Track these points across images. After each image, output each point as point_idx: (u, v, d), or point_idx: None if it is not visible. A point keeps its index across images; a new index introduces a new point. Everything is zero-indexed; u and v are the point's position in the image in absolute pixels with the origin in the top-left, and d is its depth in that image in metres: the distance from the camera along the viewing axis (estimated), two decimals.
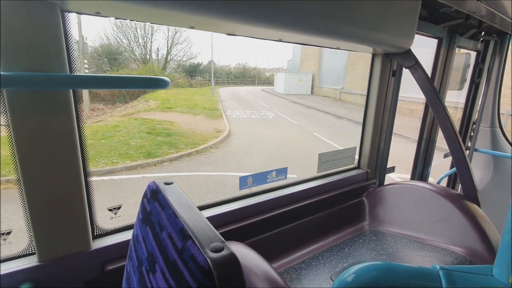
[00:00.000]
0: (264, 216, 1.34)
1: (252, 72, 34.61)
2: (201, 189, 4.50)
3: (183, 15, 0.82)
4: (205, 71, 27.17)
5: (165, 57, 22.89)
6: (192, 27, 0.97)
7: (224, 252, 0.47)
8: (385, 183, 1.93)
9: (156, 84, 0.80)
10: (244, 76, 34.12)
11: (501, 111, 2.37)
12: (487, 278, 0.44)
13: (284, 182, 1.56)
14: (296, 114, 13.63)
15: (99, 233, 0.99)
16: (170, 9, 0.78)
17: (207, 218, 1.14)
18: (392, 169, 2.01)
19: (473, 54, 2.19)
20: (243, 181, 1.41)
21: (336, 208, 1.67)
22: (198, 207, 1.19)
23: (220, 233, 1.11)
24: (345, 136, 9.33)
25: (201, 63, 26.55)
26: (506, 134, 2.41)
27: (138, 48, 20.88)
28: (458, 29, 1.90)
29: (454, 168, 1.53)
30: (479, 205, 1.46)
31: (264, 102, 18.31)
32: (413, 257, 1.37)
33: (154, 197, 0.67)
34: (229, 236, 1.22)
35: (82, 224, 0.88)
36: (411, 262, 1.37)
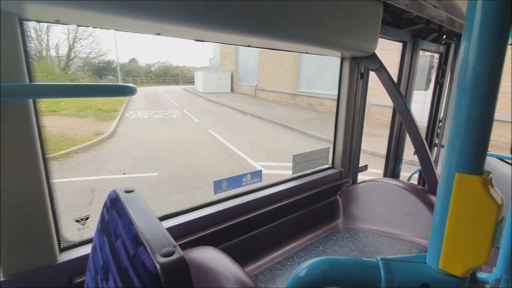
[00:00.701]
0: (239, 220, 1.34)
1: (175, 70, 33.30)
2: None
3: (148, 22, 0.81)
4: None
5: (67, 53, 20.20)
6: (158, 34, 0.96)
7: (174, 256, 0.47)
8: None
9: (123, 91, 0.79)
10: (166, 75, 32.57)
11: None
12: (421, 265, 0.48)
13: (260, 185, 1.56)
14: (204, 112, 13.61)
15: (66, 245, 0.98)
16: (134, 17, 0.77)
17: (181, 224, 1.19)
18: (365, 167, 2.06)
19: (437, 56, 2.30)
20: (217, 186, 1.38)
21: (311, 207, 1.68)
22: (172, 213, 1.23)
23: (194, 239, 1.18)
24: (240, 131, 9.66)
25: (113, 61, 24.37)
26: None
27: (30, 42, 17.95)
28: (421, 33, 1.98)
29: None
30: None
31: (178, 101, 17.80)
32: (382, 251, 1.41)
33: (113, 206, 0.65)
34: (204, 241, 1.20)
35: (47, 236, 0.87)
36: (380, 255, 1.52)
